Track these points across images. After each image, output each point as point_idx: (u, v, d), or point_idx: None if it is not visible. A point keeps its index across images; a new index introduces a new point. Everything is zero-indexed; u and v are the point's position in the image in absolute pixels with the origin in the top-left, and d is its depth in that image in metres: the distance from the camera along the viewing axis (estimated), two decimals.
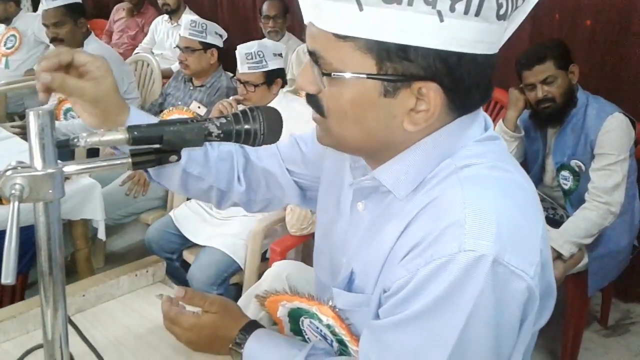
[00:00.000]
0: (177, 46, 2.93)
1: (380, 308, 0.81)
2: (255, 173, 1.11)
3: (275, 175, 1.11)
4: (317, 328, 0.97)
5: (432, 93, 0.74)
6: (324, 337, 0.97)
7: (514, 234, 0.73)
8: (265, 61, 2.35)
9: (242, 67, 2.36)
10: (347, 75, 0.74)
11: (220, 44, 2.90)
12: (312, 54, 0.77)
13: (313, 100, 0.81)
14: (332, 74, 0.75)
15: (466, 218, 0.71)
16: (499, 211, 0.73)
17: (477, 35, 0.72)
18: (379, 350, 0.78)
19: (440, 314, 0.72)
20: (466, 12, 0.69)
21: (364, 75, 0.73)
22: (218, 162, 1.06)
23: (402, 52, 0.71)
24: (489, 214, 0.72)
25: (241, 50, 2.37)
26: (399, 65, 0.72)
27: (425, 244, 0.73)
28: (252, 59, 2.33)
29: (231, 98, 2.49)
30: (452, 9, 0.69)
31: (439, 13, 0.69)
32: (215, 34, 2.93)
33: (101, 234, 2.36)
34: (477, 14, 0.70)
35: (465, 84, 0.75)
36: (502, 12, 0.72)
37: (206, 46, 2.87)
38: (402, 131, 0.77)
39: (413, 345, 0.75)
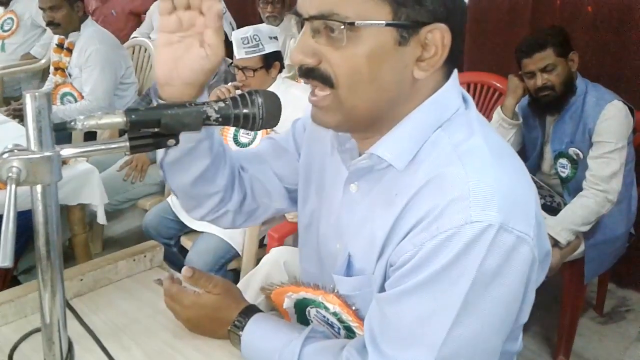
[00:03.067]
0: None
1: (386, 282, 0.82)
2: (244, 182, 1.08)
3: (262, 182, 1.08)
4: (324, 317, 0.97)
5: (439, 35, 0.78)
6: (331, 326, 0.98)
7: (515, 200, 0.76)
8: (262, 45, 2.33)
9: (239, 53, 2.35)
10: (369, 23, 0.75)
11: (229, 34, 2.88)
12: (320, 17, 0.76)
13: (315, 73, 0.80)
14: (356, 22, 0.75)
15: (470, 191, 0.74)
16: (499, 181, 0.76)
17: None
18: (383, 321, 0.80)
19: (443, 282, 0.74)
20: None
21: (383, 23, 0.75)
22: (229, 168, 1.03)
23: None
24: (491, 185, 0.74)
25: (237, 35, 2.36)
26: (411, 10, 0.76)
27: (430, 219, 0.75)
28: (248, 43, 2.32)
29: (230, 84, 2.47)
30: None
31: None
32: (229, 24, 2.92)
33: (101, 219, 2.36)
34: None
35: (456, 29, 0.79)
36: None
37: None
38: (412, 82, 0.80)
39: (416, 314, 0.76)
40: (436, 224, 0.74)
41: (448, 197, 0.74)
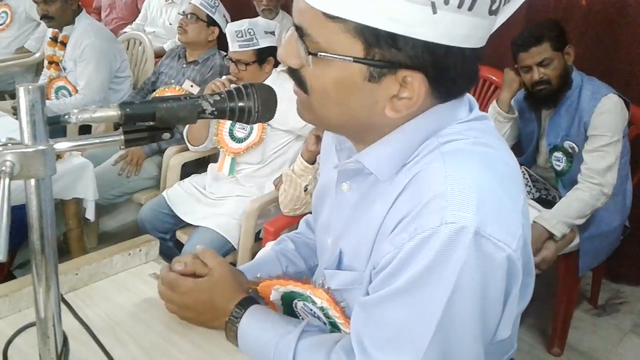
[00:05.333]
0: (184, 11, 2.90)
1: (370, 285, 0.81)
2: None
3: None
4: (311, 310, 0.97)
5: (416, 82, 0.74)
6: (318, 319, 0.98)
7: (496, 206, 0.73)
8: (256, 39, 2.32)
9: (232, 46, 2.34)
10: (333, 56, 0.73)
11: (223, 27, 2.87)
12: (298, 29, 0.76)
13: (296, 75, 0.80)
14: (318, 54, 0.74)
15: (447, 190, 0.72)
16: (480, 183, 0.73)
17: (468, 30, 0.72)
18: (368, 325, 0.79)
19: (424, 287, 0.73)
20: (460, 5, 0.69)
21: (350, 59, 0.73)
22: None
23: (392, 40, 0.71)
24: (470, 186, 0.72)
25: (231, 28, 2.35)
26: (386, 52, 0.72)
27: (409, 218, 0.74)
28: (242, 36, 2.31)
29: (224, 77, 2.47)
30: (446, 2, 0.68)
31: (433, 5, 0.68)
32: (223, 16, 2.91)
33: (90, 214, 2.35)
34: (470, 9, 0.70)
35: (450, 75, 0.75)
36: (494, 7, 0.73)
37: (211, 21, 2.85)
38: (383, 116, 0.78)
39: (399, 319, 0.76)
40: (414, 224, 0.73)
41: (427, 196, 0.73)
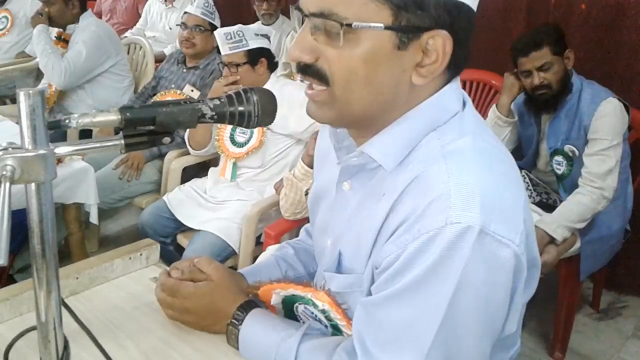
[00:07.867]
0: (183, 23, 2.90)
1: (372, 285, 0.81)
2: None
3: None
4: (312, 313, 0.97)
5: (440, 41, 0.76)
6: (319, 322, 0.98)
7: (499, 204, 0.74)
8: (246, 40, 2.33)
9: (223, 49, 2.35)
10: (367, 25, 0.74)
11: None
12: (319, 15, 0.76)
13: (311, 70, 0.80)
14: (353, 24, 0.74)
15: (450, 191, 0.73)
16: (483, 182, 0.74)
17: None
18: (370, 325, 0.80)
19: (428, 285, 0.73)
20: None
21: (382, 26, 0.74)
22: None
23: (418, 0, 0.74)
24: (473, 185, 0.73)
25: (220, 32, 2.36)
26: (413, 15, 0.74)
27: (412, 219, 0.74)
28: (231, 39, 2.32)
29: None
30: None
31: None
32: (219, 18, 2.93)
33: (93, 218, 2.36)
34: None
35: (460, 37, 0.77)
36: None
37: (213, 28, 2.86)
38: (408, 88, 0.79)
39: (403, 318, 0.76)
40: (418, 225, 0.73)
41: (429, 197, 0.74)
